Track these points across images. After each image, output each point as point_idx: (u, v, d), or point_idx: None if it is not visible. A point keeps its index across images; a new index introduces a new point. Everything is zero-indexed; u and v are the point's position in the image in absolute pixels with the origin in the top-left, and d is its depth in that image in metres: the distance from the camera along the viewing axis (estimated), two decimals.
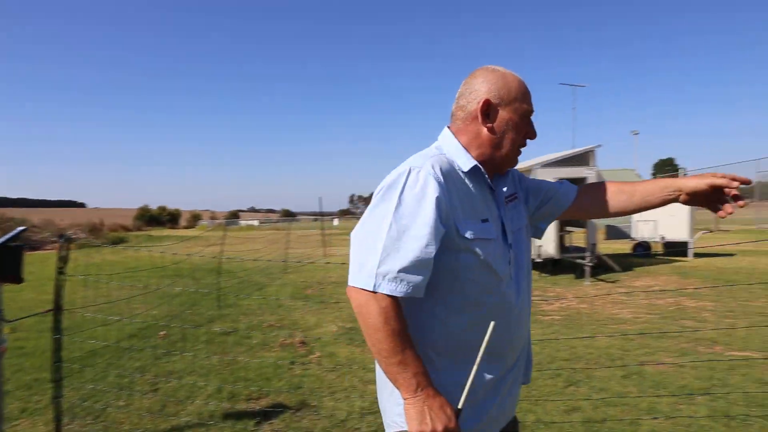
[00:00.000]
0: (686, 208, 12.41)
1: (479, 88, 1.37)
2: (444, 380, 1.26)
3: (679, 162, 78.57)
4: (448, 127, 1.44)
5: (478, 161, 1.35)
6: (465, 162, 1.34)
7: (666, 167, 62.09)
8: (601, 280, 9.85)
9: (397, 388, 1.20)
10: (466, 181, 1.32)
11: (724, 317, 6.43)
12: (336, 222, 60.41)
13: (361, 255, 1.22)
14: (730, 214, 1.37)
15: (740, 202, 1.36)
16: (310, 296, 8.73)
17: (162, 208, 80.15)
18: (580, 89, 21.71)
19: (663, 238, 13.27)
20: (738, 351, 4.98)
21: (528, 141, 1.43)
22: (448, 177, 1.27)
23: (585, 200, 1.59)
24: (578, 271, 10.36)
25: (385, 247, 1.18)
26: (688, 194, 1.43)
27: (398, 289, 1.17)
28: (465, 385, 1.19)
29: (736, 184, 1.36)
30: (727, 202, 1.39)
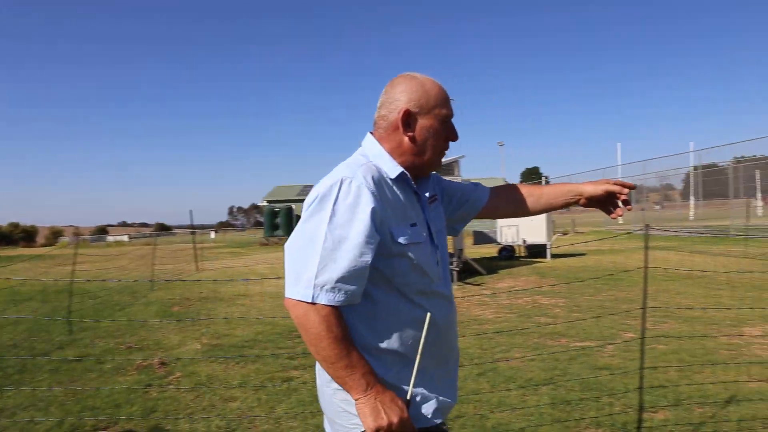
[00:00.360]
0: (544, 217, 13.55)
1: (399, 97, 1.40)
2: (389, 378, 1.31)
3: (543, 170, 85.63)
4: (371, 133, 1.47)
5: (402, 167, 1.38)
6: (391, 169, 1.37)
7: (532, 175, 67.17)
8: (468, 284, 10.38)
9: (347, 390, 1.23)
10: (394, 187, 1.36)
11: (571, 312, 7.06)
12: (213, 235, 58.00)
13: (296, 266, 1.23)
14: (620, 216, 1.57)
15: (628, 207, 1.57)
16: (176, 314, 8.27)
17: (14, 225, 72.11)
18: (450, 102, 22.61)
19: (525, 241, 14.32)
20: (579, 342, 5.48)
21: (450, 143, 1.48)
22: (379, 185, 1.30)
23: (497, 202, 1.71)
24: None
25: (322, 257, 1.20)
26: (587, 198, 1.60)
27: (336, 299, 1.20)
28: (411, 377, 1.26)
29: (626, 191, 1.55)
30: (618, 206, 1.59)
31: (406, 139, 1.40)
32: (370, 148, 1.44)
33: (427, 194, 1.48)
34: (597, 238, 5.95)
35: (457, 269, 10.30)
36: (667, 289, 8.48)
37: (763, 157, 24.20)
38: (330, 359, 1.21)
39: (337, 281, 1.20)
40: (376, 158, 1.39)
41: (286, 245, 1.29)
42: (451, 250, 11.60)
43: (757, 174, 26.44)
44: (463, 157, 10.91)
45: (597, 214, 33.74)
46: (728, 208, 24.06)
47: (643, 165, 27.98)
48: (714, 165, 27.44)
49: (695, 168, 29.05)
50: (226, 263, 19.05)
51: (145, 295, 10.41)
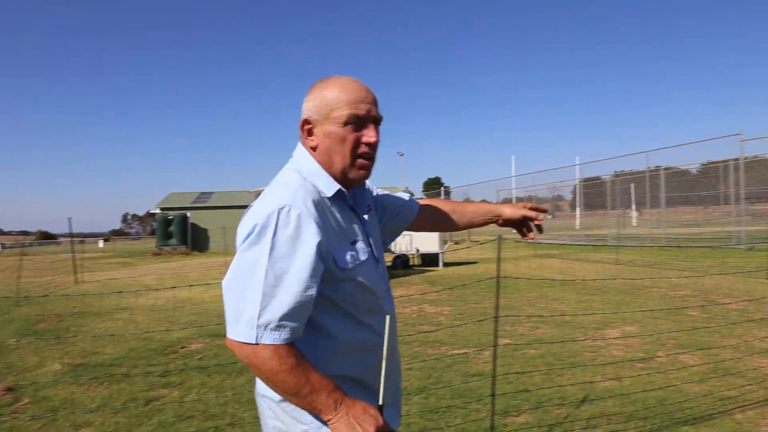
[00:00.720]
0: None
1: (304, 107, 1.35)
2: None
3: (445, 180, 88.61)
4: (301, 141, 1.40)
5: (334, 177, 1.33)
6: (327, 185, 1.30)
7: (434, 185, 69.12)
8: None
9: (318, 414, 1.20)
10: (333, 206, 1.29)
11: (455, 319, 7.26)
12: (102, 244, 54.22)
13: (237, 305, 1.16)
14: (532, 239, 1.69)
15: (541, 232, 1.70)
16: (40, 332, 7.56)
17: None
18: None
19: (418, 250, 14.63)
20: (458, 349, 5.63)
21: (372, 147, 1.34)
22: (319, 208, 1.23)
23: (424, 216, 1.72)
24: None
25: (264, 295, 1.14)
26: (504, 219, 1.70)
27: (282, 337, 1.15)
28: (379, 383, 1.25)
29: (541, 216, 1.66)
30: (531, 230, 1.70)
31: (311, 149, 1.35)
32: (304, 162, 1.35)
33: (365, 209, 1.43)
34: (492, 248, 6.16)
35: None
36: (545, 295, 8.97)
37: (638, 172, 26.48)
38: (291, 390, 1.16)
39: (281, 319, 1.14)
40: (312, 175, 1.32)
41: (224, 281, 1.21)
42: None
43: (632, 187, 28.99)
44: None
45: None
46: (607, 218, 26.05)
47: (533, 177, 29.67)
48: (597, 178, 29.71)
49: (581, 181, 31.33)
50: (112, 274, 17.82)
51: (6, 312, 9.44)
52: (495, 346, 3.31)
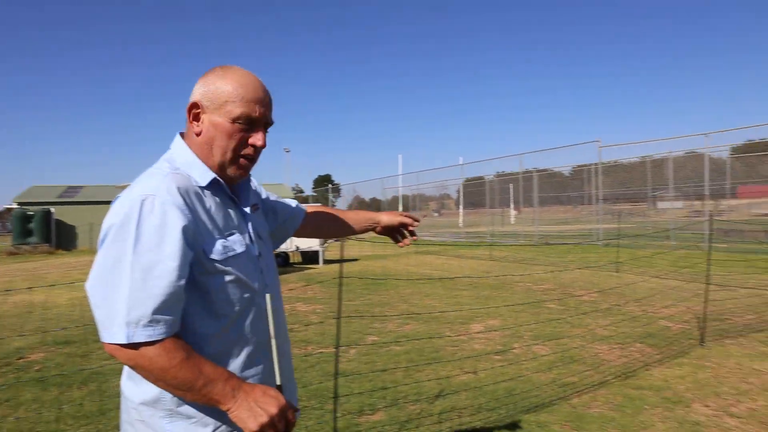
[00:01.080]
0: None
1: (195, 89, 1.28)
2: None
3: (335, 178, 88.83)
4: (181, 133, 1.33)
5: (211, 168, 1.27)
6: (201, 175, 1.24)
7: (324, 182, 68.85)
8: None
9: (217, 405, 1.13)
10: (207, 196, 1.24)
11: (327, 317, 7.17)
12: None
13: (105, 306, 1.09)
14: (407, 244, 1.80)
15: (414, 237, 1.81)
16: None
17: None
18: None
19: (297, 248, 14.43)
20: (324, 348, 5.54)
21: (257, 150, 1.31)
22: (188, 196, 1.17)
23: (309, 223, 1.74)
24: None
25: (132, 290, 1.07)
26: (383, 227, 1.79)
27: (156, 333, 1.08)
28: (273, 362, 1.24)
29: (416, 223, 1.79)
30: (405, 236, 1.82)
31: (194, 135, 1.28)
32: (178, 153, 1.29)
33: (248, 203, 1.38)
34: (372, 246, 6.11)
35: None
36: (419, 292, 9.18)
37: (515, 173, 28.18)
38: (185, 386, 1.10)
39: (154, 313, 1.08)
40: (186, 165, 1.26)
41: (87, 283, 1.12)
42: None
43: (511, 188, 30.82)
44: None
45: None
46: (487, 216, 27.44)
47: (417, 175, 30.44)
48: (480, 178, 31.21)
49: (465, 180, 32.75)
50: None
51: None
52: (337, 347, 3.26)
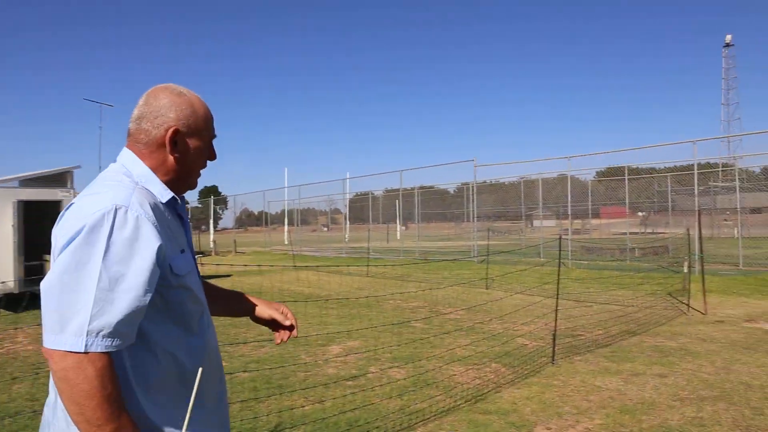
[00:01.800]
0: None
1: (166, 113, 1.28)
2: (157, 419, 1.18)
3: (222, 190, 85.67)
4: (128, 147, 1.31)
5: (166, 184, 1.28)
6: (161, 192, 1.26)
7: (210, 194, 65.93)
8: None
9: None
10: (165, 212, 1.26)
11: None
12: None
13: (61, 310, 1.04)
14: (284, 340, 1.64)
15: (293, 334, 1.65)
16: None
17: None
18: (108, 108, 20.57)
19: None
20: None
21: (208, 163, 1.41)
22: (155, 212, 1.18)
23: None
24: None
25: (97, 299, 1.04)
26: (256, 316, 1.66)
27: (114, 344, 1.06)
28: (185, 417, 1.18)
29: (288, 322, 1.64)
30: (283, 329, 1.66)
31: (171, 158, 1.30)
32: (133, 166, 1.28)
33: (186, 216, 1.40)
34: (256, 262, 5.54)
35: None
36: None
37: (397, 189, 28.64)
38: (97, 421, 1.02)
39: (116, 325, 1.05)
40: (144, 180, 1.26)
41: (44, 285, 1.07)
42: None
43: (397, 203, 31.26)
44: (78, 167, 9.43)
45: (260, 236, 35.02)
46: (373, 232, 27.51)
47: (299, 189, 29.76)
48: (368, 193, 31.35)
49: (355, 195, 32.77)
50: None
51: None
52: None
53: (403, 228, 36.28)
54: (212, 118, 1.38)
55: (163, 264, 1.16)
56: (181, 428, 1.18)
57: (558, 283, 5.93)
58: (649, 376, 4.90)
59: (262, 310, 1.64)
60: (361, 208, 34.00)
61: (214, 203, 37.11)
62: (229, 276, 14.73)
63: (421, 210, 25.51)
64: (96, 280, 1.05)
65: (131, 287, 1.08)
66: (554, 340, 5.49)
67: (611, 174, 22.16)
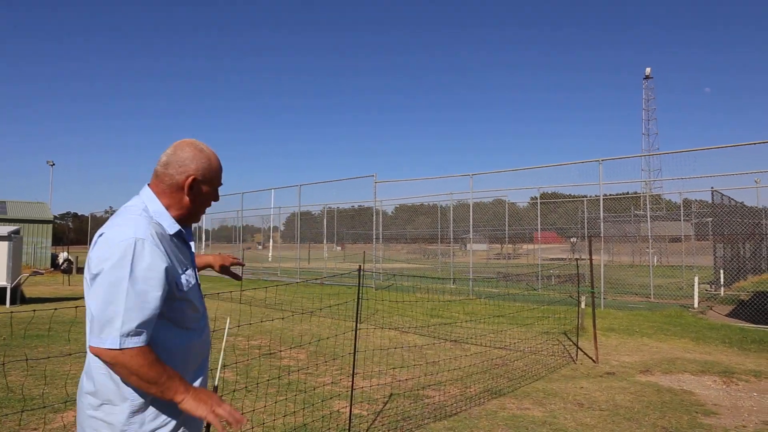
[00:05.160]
0: (5, 254, 11.04)
1: (189, 164, 1.66)
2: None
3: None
4: (149, 185, 1.68)
5: (176, 219, 1.66)
6: (170, 225, 1.63)
7: None
8: None
9: (171, 398, 1.49)
10: (173, 241, 1.63)
11: None
12: None
13: (103, 318, 1.42)
14: (240, 278, 2.34)
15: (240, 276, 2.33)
16: None
17: None
18: None
19: None
20: None
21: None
22: (163, 240, 1.56)
23: None
24: None
25: (126, 310, 1.42)
26: (212, 266, 2.27)
27: (140, 341, 1.44)
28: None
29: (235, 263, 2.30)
30: (231, 273, 2.31)
31: (187, 199, 1.67)
32: (150, 203, 1.64)
33: (192, 243, 1.78)
34: None
35: None
36: None
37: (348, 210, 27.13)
38: (154, 379, 1.45)
39: (138, 327, 1.43)
40: (157, 215, 1.62)
41: (90, 299, 1.47)
42: None
43: (296, 221, 29.31)
44: None
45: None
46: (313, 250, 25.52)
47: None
48: (309, 212, 29.50)
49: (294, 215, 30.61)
50: None
51: None
52: None
53: (338, 248, 34.42)
54: (222, 170, 1.78)
55: (171, 282, 1.55)
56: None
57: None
58: None
59: (213, 262, 2.26)
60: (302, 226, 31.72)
61: None
62: (73, 299, 12.38)
63: (335, 230, 23.82)
64: (125, 295, 1.44)
65: (150, 300, 1.47)
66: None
67: (543, 198, 21.28)
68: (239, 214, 25.48)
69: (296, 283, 13.76)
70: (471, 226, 15.01)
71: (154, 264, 1.48)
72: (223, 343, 1.69)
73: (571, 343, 7.66)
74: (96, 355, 1.45)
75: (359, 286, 4.00)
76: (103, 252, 1.47)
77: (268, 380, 5.40)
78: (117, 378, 1.49)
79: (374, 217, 16.35)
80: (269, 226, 33.18)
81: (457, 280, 16.66)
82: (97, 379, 1.51)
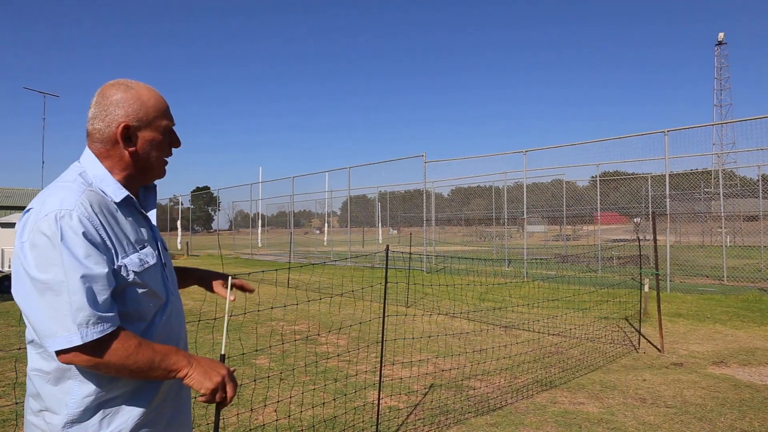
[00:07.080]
0: None
1: (115, 111, 1.35)
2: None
3: (217, 190, 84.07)
4: (88, 147, 1.39)
5: (125, 181, 1.37)
6: (115, 192, 1.34)
7: (201, 190, 64.27)
8: None
9: (174, 376, 1.30)
10: (119, 212, 1.34)
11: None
12: None
13: (47, 316, 1.18)
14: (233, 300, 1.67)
15: (232, 298, 1.67)
16: None
17: None
18: (53, 99, 18.94)
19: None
20: None
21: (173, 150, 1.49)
22: (101, 213, 1.27)
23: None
24: None
25: (71, 297, 1.17)
26: (206, 286, 1.77)
27: (106, 328, 1.20)
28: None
29: (225, 294, 1.71)
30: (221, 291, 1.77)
31: (126, 154, 1.37)
32: (90, 167, 1.36)
33: (153, 212, 1.49)
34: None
35: None
36: None
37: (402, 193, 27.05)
38: (146, 365, 1.24)
39: (98, 311, 1.19)
40: (98, 180, 1.34)
41: (20, 297, 1.21)
42: None
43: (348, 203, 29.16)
44: None
45: (212, 241, 33.22)
46: (368, 234, 25.62)
47: (249, 193, 27.58)
48: (364, 196, 29.50)
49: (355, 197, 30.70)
50: None
51: None
52: None
53: (394, 231, 34.20)
54: (165, 106, 1.43)
55: (112, 261, 1.27)
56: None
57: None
58: None
59: (209, 286, 1.75)
60: (356, 209, 31.68)
61: (206, 204, 35.10)
62: None
63: (388, 213, 23.56)
64: (65, 281, 1.17)
65: (95, 278, 1.19)
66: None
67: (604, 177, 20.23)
68: (291, 199, 25.59)
69: (322, 264, 13.56)
70: (525, 207, 14.32)
71: (86, 238, 1.21)
72: (226, 316, 1.52)
73: (632, 329, 7.05)
74: (69, 363, 1.22)
75: (386, 267, 3.65)
76: (26, 234, 1.22)
77: (305, 367, 5.17)
78: (59, 383, 1.29)
79: (425, 197, 15.89)
80: (324, 211, 33.35)
81: (512, 262, 16.05)
82: (36, 383, 1.32)
